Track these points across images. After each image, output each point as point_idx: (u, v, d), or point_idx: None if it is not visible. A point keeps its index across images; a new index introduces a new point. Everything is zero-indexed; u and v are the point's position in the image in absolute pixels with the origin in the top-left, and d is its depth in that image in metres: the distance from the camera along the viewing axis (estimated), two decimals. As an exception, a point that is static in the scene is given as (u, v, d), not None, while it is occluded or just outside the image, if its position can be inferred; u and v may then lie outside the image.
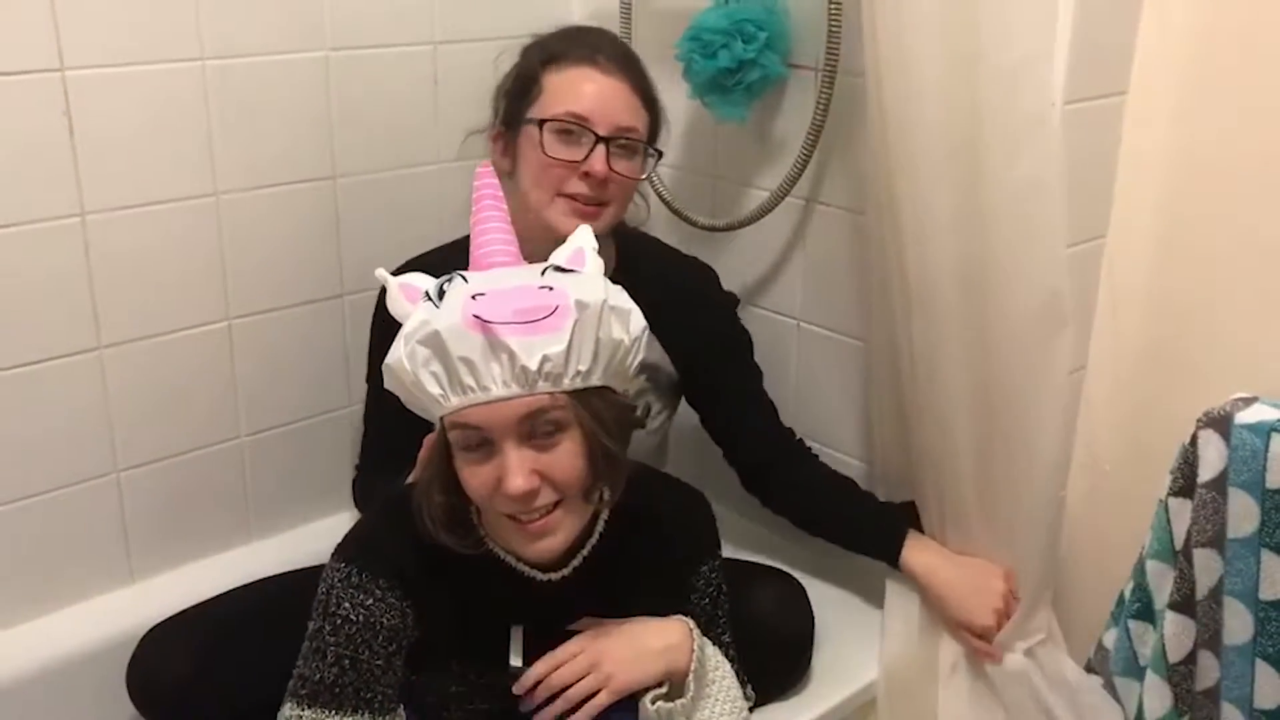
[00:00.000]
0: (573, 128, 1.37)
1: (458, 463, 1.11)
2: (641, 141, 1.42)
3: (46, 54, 1.41)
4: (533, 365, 1.04)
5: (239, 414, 1.69)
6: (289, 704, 1.15)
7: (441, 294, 1.07)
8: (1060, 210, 1.36)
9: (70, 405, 1.53)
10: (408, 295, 1.10)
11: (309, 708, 1.14)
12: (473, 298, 1.05)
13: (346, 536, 1.21)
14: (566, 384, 1.07)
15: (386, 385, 1.12)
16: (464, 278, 1.09)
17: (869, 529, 1.58)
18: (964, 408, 1.46)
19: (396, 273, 1.14)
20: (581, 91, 1.38)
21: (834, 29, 1.50)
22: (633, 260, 1.53)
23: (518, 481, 1.07)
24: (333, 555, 1.19)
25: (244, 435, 1.71)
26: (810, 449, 1.63)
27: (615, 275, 1.49)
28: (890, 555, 1.56)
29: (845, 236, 1.62)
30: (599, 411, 1.10)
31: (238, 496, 1.73)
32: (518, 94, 1.43)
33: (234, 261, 1.62)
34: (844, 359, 1.68)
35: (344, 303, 1.75)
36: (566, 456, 1.09)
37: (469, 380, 1.05)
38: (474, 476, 1.10)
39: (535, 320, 1.05)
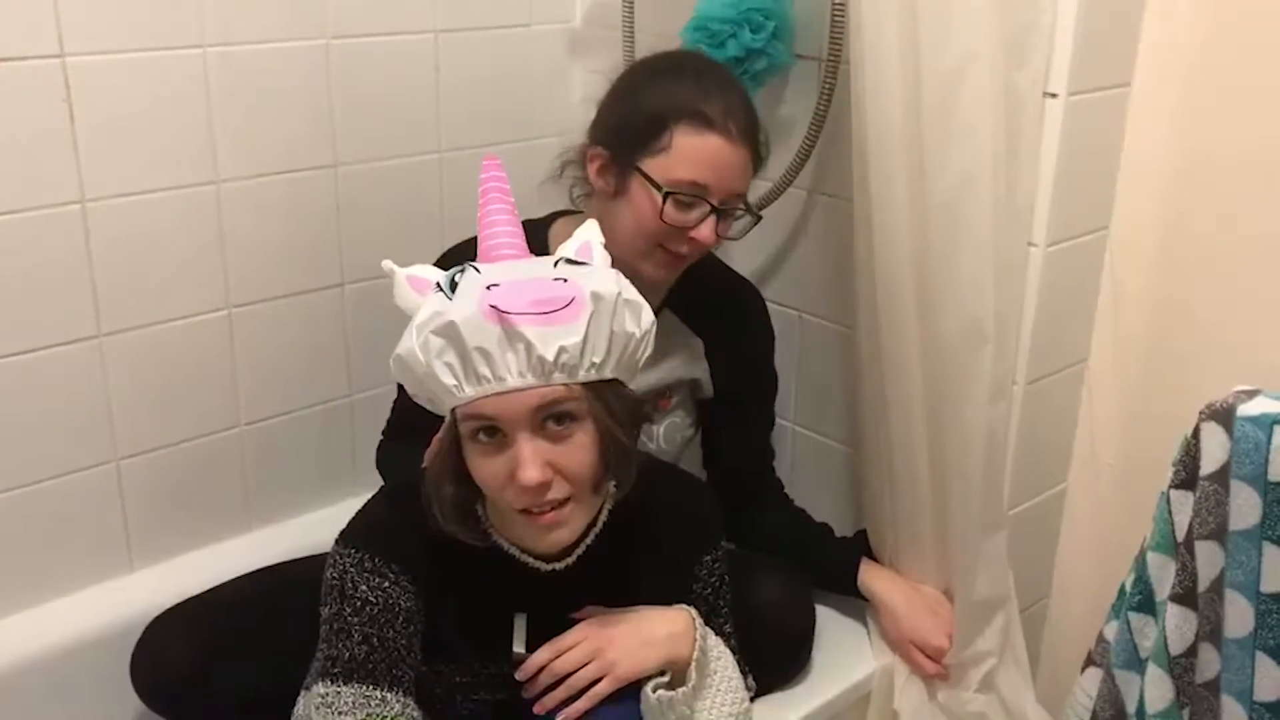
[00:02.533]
0: (693, 198, 1.36)
1: (469, 455, 1.10)
2: (744, 204, 1.42)
3: (47, 40, 1.40)
4: (549, 356, 1.04)
5: (239, 402, 1.69)
6: (322, 684, 1.14)
7: (453, 285, 1.07)
8: (985, 229, 1.34)
9: (70, 393, 1.53)
10: (416, 287, 1.10)
11: (346, 684, 1.13)
12: (487, 288, 1.05)
13: (352, 524, 1.21)
14: (581, 375, 1.07)
15: (396, 376, 1.11)
16: (476, 269, 1.09)
17: (827, 563, 1.60)
18: (919, 413, 1.46)
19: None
20: (709, 162, 1.35)
21: (837, 18, 1.49)
22: (692, 276, 1.52)
23: (531, 473, 1.06)
24: (338, 542, 1.19)
25: (244, 424, 1.71)
26: (791, 499, 1.64)
27: (675, 291, 1.51)
28: (848, 582, 1.58)
29: (848, 227, 1.62)
30: (611, 404, 1.10)
31: (238, 485, 1.73)
32: (640, 133, 1.37)
33: (234, 249, 1.62)
34: (845, 350, 1.68)
35: (344, 291, 1.75)
36: (579, 449, 1.09)
37: (484, 371, 1.04)
38: (485, 468, 1.09)
39: (552, 311, 1.04)
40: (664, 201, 1.35)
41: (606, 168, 1.40)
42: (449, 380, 1.05)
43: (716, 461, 1.62)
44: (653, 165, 1.36)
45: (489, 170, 1.16)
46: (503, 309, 1.03)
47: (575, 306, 1.05)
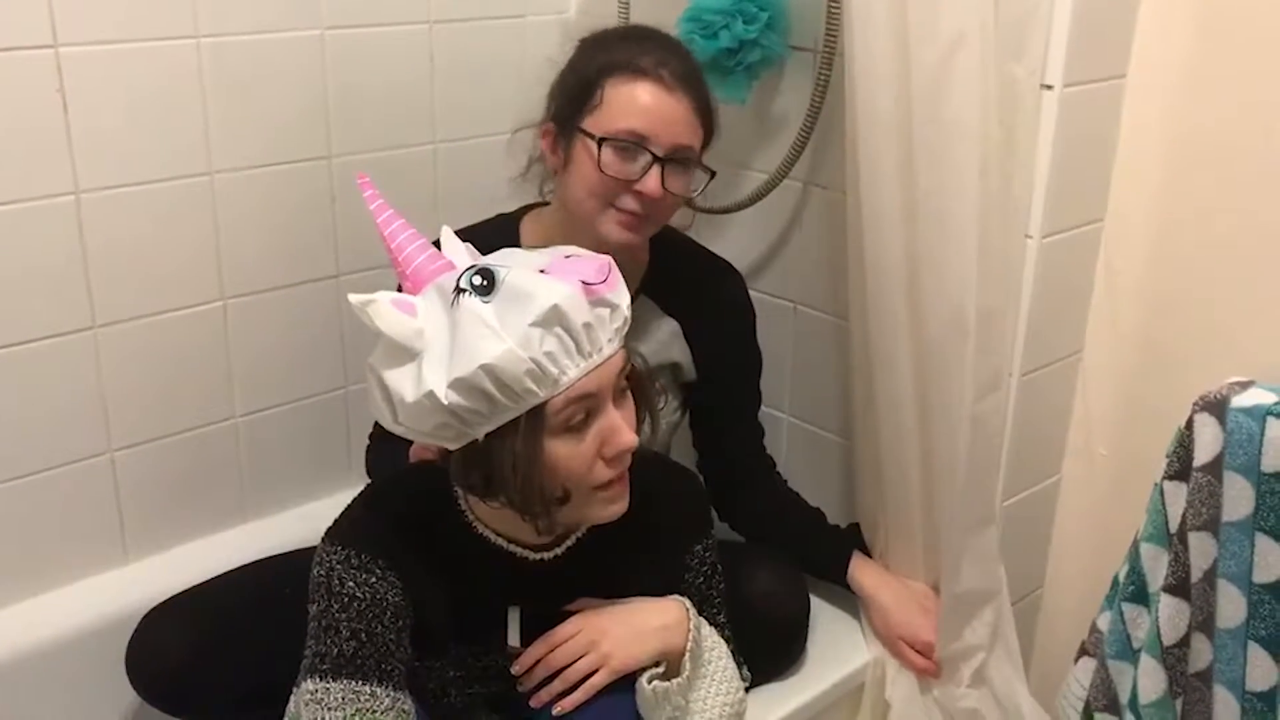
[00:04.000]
0: (631, 146, 1.35)
1: (552, 451, 1.07)
2: (695, 158, 1.41)
3: (40, 31, 1.39)
4: (626, 314, 1.10)
5: (234, 394, 1.69)
6: (310, 680, 1.13)
7: (484, 288, 1.04)
8: (975, 222, 1.33)
9: (64, 385, 1.53)
10: (403, 309, 1.06)
11: (335, 680, 1.12)
12: (542, 271, 1.06)
13: (338, 521, 1.20)
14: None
15: (451, 403, 1.02)
16: (504, 265, 1.07)
17: (818, 552, 1.61)
18: (908, 407, 1.46)
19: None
20: (644, 109, 1.35)
21: (833, 10, 1.49)
22: (666, 260, 1.53)
23: (631, 435, 1.10)
24: (324, 540, 1.18)
25: (239, 415, 1.71)
26: (783, 478, 1.64)
27: (648, 274, 1.51)
28: (837, 573, 1.59)
29: (842, 219, 1.62)
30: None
31: (232, 477, 1.73)
32: (576, 97, 1.38)
33: (229, 241, 1.62)
34: (840, 342, 1.68)
35: (339, 283, 1.74)
36: (633, 411, 1.14)
37: (587, 347, 1.06)
38: (574, 454, 1.09)
39: (610, 276, 1.08)
40: (599, 149, 1.35)
41: (556, 141, 1.42)
42: (553, 370, 1.04)
43: (706, 443, 1.62)
44: (590, 123, 1.37)
45: (367, 188, 1.15)
46: (590, 282, 1.05)
47: (615, 271, 1.10)
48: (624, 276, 1.14)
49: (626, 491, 1.14)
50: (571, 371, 1.05)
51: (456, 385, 1.02)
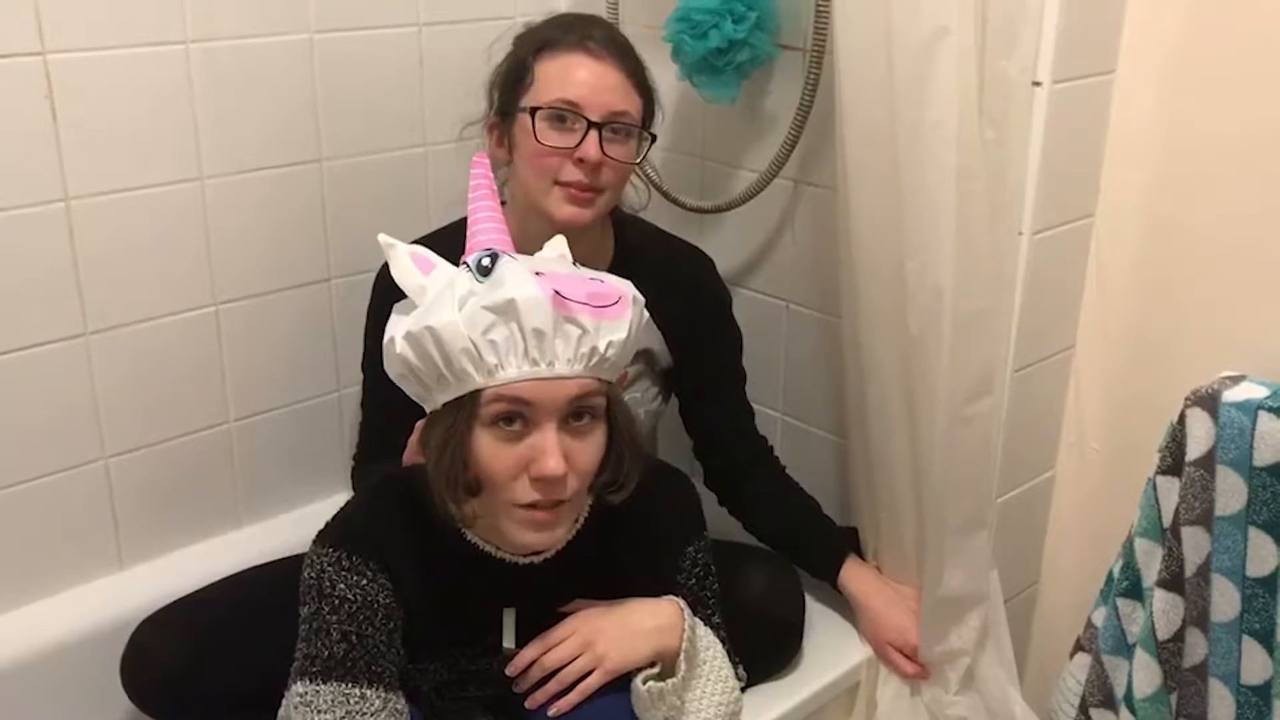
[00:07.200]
0: (565, 114, 1.37)
1: (477, 442, 1.09)
2: (635, 126, 1.42)
3: (28, 37, 1.39)
4: (600, 347, 1.07)
5: (227, 399, 1.69)
6: (300, 683, 1.14)
7: (484, 269, 1.07)
8: (965, 219, 1.32)
9: (57, 392, 1.52)
10: (419, 265, 1.10)
11: (325, 683, 1.13)
12: (537, 274, 1.06)
13: (329, 525, 1.21)
14: (609, 372, 1.10)
15: (401, 351, 1.08)
16: (513, 256, 1.10)
17: (813, 549, 1.60)
18: (897, 408, 1.46)
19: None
20: (573, 78, 1.38)
21: (821, 8, 1.49)
22: (630, 246, 1.53)
23: (555, 464, 1.07)
24: (316, 542, 1.18)
25: (232, 420, 1.70)
26: (780, 461, 1.63)
27: (612, 261, 1.51)
28: (829, 574, 1.58)
29: (834, 217, 1.62)
30: (625, 405, 1.13)
31: (226, 482, 1.73)
32: (510, 84, 1.43)
33: (220, 246, 1.61)
34: (833, 340, 1.68)
35: (331, 286, 1.74)
36: (594, 446, 1.11)
37: (535, 353, 1.05)
38: (498, 458, 1.09)
39: (606, 306, 1.08)
40: (534, 120, 1.37)
41: (501, 134, 1.45)
42: (491, 359, 1.05)
43: (699, 428, 1.62)
44: (525, 101, 1.40)
45: (477, 166, 1.18)
46: (566, 296, 1.05)
47: (623, 305, 1.09)
48: (589, 260, 1.17)
49: (555, 526, 1.13)
50: (511, 370, 1.06)
51: (409, 338, 1.08)
